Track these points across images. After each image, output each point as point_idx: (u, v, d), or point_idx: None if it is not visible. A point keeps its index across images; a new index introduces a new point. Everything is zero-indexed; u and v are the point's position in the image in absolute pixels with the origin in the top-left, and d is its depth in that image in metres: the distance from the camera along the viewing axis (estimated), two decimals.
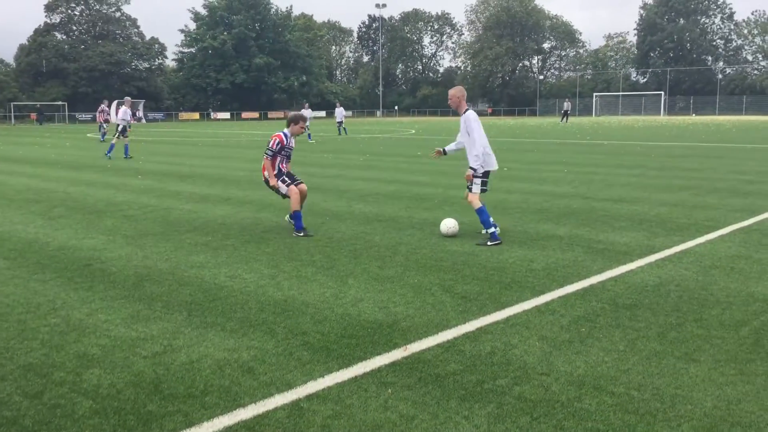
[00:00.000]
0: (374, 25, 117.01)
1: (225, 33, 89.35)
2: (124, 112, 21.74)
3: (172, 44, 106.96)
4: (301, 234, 8.36)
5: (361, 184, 13.92)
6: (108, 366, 4.24)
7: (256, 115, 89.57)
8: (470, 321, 5.05)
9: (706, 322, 5.00)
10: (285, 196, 8.58)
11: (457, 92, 7.99)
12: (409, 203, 11.12)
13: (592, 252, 7.35)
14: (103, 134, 33.16)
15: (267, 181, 8.56)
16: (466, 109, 7.92)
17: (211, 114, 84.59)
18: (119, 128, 21.42)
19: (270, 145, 8.49)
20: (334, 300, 5.62)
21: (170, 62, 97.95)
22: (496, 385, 3.90)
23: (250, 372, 4.11)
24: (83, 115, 77.38)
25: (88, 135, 42.27)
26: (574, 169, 16.80)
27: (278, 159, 8.57)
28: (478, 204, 7.91)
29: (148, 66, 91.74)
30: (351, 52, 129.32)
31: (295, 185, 8.53)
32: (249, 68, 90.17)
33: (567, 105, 62.15)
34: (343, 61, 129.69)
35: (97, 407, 3.67)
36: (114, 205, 11.20)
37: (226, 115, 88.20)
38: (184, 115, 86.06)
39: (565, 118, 60.82)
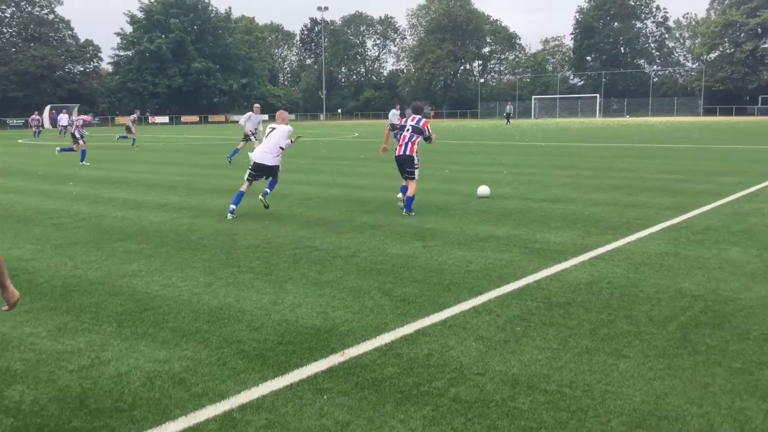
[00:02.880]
0: (316, 28, 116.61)
1: (162, 36, 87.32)
2: (247, 118, 20.93)
3: (108, 47, 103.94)
4: (413, 214, 9.92)
5: (302, 187, 13.81)
6: (31, 381, 4.06)
7: (196, 118, 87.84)
8: (408, 324, 5.05)
9: (636, 318, 5.13)
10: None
11: (278, 116, 10.60)
12: (350, 207, 11.09)
13: (528, 252, 7.48)
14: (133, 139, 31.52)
15: (413, 160, 10.08)
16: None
17: (149, 118, 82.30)
18: (247, 134, 20.97)
19: (430, 131, 10.20)
20: (271, 306, 5.54)
21: (106, 65, 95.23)
22: (432, 388, 3.91)
23: (181, 383, 4.00)
24: (14, 121, 74.39)
25: (19, 141, 40.69)
26: (514, 170, 17.09)
27: None
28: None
29: (82, 69, 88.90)
30: (294, 55, 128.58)
31: None
32: (188, 72, 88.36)
33: (509, 108, 63.37)
34: (286, 65, 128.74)
35: (19, 425, 3.52)
36: (43, 213, 10.79)
37: (165, 119, 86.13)
38: (120, 120, 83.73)
39: (507, 121, 61.99)
